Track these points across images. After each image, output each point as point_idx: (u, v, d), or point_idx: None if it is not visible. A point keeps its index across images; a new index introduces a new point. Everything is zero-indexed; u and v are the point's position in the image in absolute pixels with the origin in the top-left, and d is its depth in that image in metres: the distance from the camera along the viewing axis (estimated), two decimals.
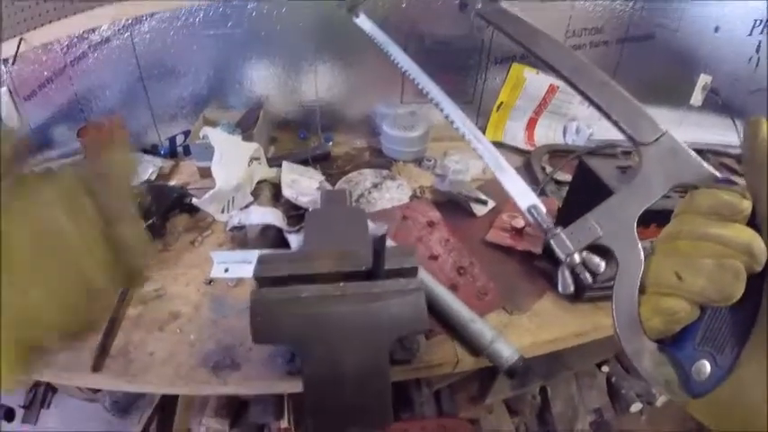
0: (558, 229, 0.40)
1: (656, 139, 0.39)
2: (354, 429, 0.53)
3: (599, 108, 0.42)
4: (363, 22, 0.65)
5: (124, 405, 1.11)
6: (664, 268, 0.35)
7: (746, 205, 0.32)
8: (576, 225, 0.40)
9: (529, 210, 0.45)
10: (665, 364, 0.35)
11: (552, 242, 0.40)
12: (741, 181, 0.35)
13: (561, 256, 0.40)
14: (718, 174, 0.36)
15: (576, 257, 0.39)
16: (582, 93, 0.44)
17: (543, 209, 0.45)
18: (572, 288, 0.40)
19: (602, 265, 0.39)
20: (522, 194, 0.47)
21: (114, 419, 1.13)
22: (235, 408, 1.06)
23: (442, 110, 0.58)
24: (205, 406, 1.05)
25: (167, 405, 1.08)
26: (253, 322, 0.55)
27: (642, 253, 0.37)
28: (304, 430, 0.96)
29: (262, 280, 0.58)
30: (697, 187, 0.35)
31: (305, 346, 0.54)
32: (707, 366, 0.33)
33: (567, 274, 0.40)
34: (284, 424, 1.01)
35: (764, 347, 0.32)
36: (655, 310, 0.35)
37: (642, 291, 0.36)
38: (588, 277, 0.39)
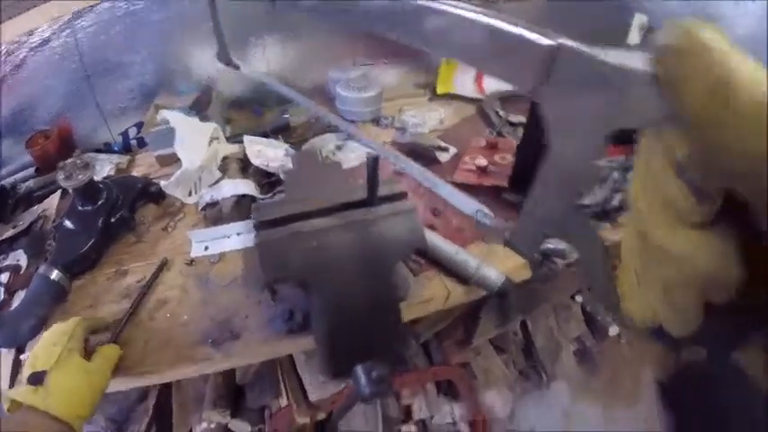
0: (508, 233, 0.34)
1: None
2: (368, 363, 0.54)
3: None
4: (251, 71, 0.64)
5: (120, 420, 1.06)
6: (627, 259, 0.27)
7: None
8: (520, 229, 0.33)
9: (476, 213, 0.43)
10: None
11: (512, 243, 0.35)
12: None
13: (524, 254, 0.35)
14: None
15: (537, 255, 0.37)
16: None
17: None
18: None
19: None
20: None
21: None
22: (232, 396, 1.05)
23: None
24: (201, 402, 1.02)
25: (163, 412, 1.05)
26: (262, 263, 0.56)
27: (603, 243, 0.30)
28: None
29: (261, 225, 0.58)
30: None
31: (314, 278, 0.55)
32: None
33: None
34: (284, 402, 1.02)
35: None
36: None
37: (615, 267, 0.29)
38: (559, 265, 0.37)
